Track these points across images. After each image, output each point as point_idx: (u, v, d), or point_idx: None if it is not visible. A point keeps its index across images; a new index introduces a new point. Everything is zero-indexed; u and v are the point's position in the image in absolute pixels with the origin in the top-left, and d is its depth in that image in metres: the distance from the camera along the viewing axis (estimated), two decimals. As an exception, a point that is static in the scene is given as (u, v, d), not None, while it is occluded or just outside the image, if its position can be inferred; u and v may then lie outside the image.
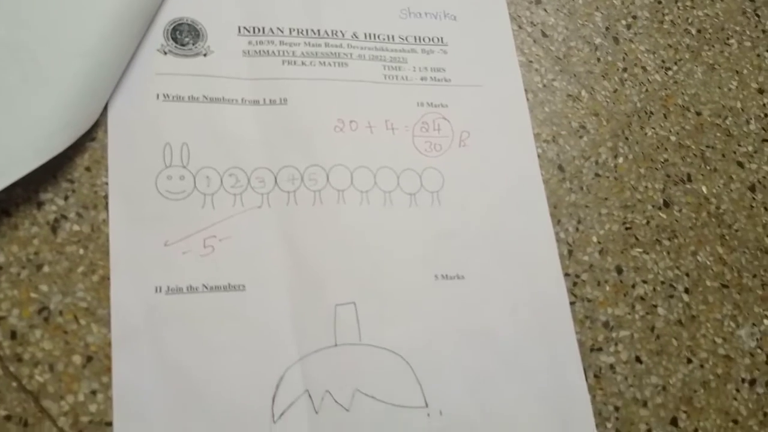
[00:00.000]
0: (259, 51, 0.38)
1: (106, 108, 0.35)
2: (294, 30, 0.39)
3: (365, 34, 0.40)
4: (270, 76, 0.38)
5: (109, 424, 0.30)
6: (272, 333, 0.33)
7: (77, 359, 0.31)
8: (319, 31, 0.39)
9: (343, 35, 0.40)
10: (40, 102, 0.32)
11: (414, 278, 0.36)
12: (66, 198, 0.33)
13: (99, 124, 0.35)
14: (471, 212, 0.38)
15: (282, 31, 0.39)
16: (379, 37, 0.40)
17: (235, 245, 0.34)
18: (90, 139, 0.34)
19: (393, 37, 0.41)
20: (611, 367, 0.37)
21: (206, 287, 0.33)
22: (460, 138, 0.39)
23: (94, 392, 0.31)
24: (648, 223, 0.40)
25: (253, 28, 0.38)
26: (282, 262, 0.34)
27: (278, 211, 0.35)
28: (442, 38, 0.41)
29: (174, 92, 0.36)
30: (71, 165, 0.34)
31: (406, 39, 0.41)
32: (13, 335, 0.31)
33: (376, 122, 0.38)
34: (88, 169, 0.34)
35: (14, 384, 0.30)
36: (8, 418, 0.30)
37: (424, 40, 0.41)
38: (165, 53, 0.36)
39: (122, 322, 0.32)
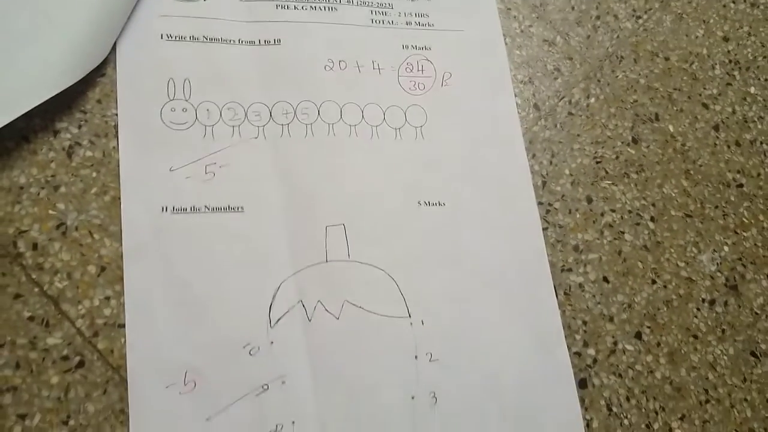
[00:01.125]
0: None
1: (114, 47, 0.38)
2: None
3: None
4: (265, 19, 0.40)
5: (122, 326, 0.33)
6: (268, 250, 0.36)
7: (92, 269, 0.34)
8: None
9: None
10: (54, 39, 0.35)
11: (398, 204, 0.39)
12: (79, 127, 0.36)
13: (108, 62, 0.37)
14: (452, 145, 0.41)
15: None
16: None
17: (234, 171, 0.37)
18: (100, 75, 0.37)
19: None
20: (580, 285, 0.40)
21: (208, 208, 0.36)
22: (443, 78, 0.42)
23: (107, 298, 0.34)
24: (617, 157, 0.43)
25: None
26: (277, 188, 0.37)
27: (273, 142, 0.38)
28: None
29: (177, 32, 0.39)
30: (84, 98, 0.37)
31: None
32: (35, 247, 0.34)
33: (364, 62, 0.41)
34: (99, 101, 0.37)
35: (36, 289, 0.33)
36: (31, 318, 0.33)
37: None
38: (168, -3, 0.39)
39: (132, 237, 0.35)
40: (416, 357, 0.36)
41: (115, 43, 0.38)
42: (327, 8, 0.42)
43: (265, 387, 0.34)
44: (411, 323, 0.37)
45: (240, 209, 0.37)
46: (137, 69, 0.38)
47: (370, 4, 0.43)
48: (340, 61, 0.41)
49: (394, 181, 0.39)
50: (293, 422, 0.34)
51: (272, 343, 0.35)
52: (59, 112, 0.36)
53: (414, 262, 0.38)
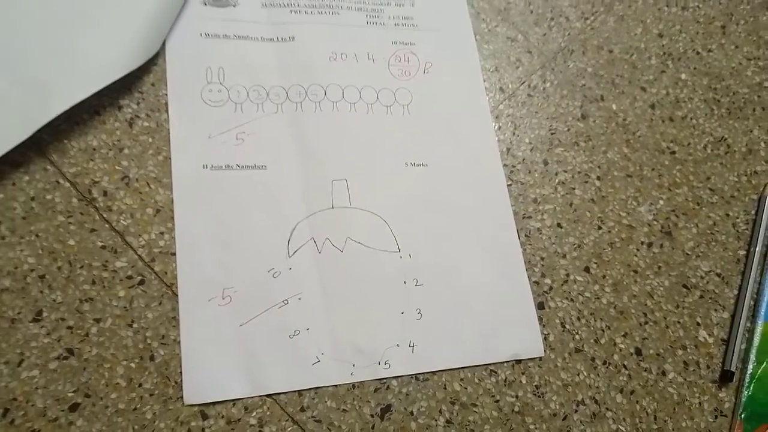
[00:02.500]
0: (273, 3, 0.50)
1: (164, 43, 0.48)
2: None
3: None
4: (281, 21, 0.50)
5: (173, 254, 0.42)
6: (286, 198, 0.45)
7: (149, 210, 0.43)
8: None
9: None
10: (119, 35, 0.45)
11: (390, 164, 0.48)
12: (138, 104, 0.46)
13: (159, 55, 0.47)
14: (432, 119, 0.50)
15: None
16: None
17: (259, 138, 0.46)
18: (153, 64, 0.47)
19: None
20: (538, 230, 0.49)
21: (238, 166, 0.45)
22: (425, 67, 0.52)
23: (161, 233, 0.43)
24: (569, 130, 0.53)
25: None
26: (293, 150, 0.46)
27: (289, 116, 0.48)
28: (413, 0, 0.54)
29: (212, 31, 0.48)
30: (141, 82, 0.46)
31: None
32: (105, 193, 0.43)
33: (361, 55, 0.51)
34: (153, 84, 0.47)
35: (107, 225, 0.42)
36: (103, 247, 0.42)
37: None
38: (205, 4, 0.49)
39: (180, 187, 0.44)
40: (405, 282, 0.45)
41: (164, 40, 0.48)
42: (331, 12, 0.51)
43: (285, 302, 0.43)
44: (401, 256, 0.46)
45: (264, 167, 0.46)
46: (182, 59, 0.47)
47: (365, 9, 0.52)
48: (341, 54, 0.50)
49: (385, 147, 0.48)
50: (308, 329, 0.42)
51: (290, 268, 0.44)
52: (122, 92, 0.45)
53: (402, 209, 0.47)
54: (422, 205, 0.47)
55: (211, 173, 0.45)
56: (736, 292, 0.50)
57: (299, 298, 0.43)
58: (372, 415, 0.41)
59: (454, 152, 0.49)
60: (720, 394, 0.46)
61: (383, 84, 0.50)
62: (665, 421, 0.45)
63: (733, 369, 0.46)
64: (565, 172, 0.51)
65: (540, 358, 0.45)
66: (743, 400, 0.46)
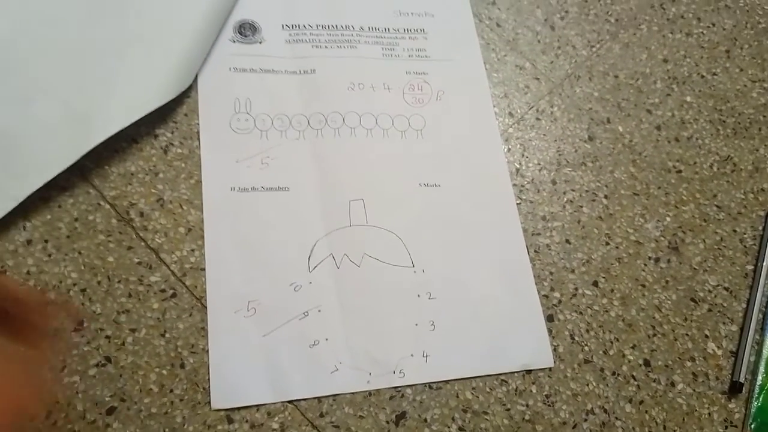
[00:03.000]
0: (296, 39, 0.55)
1: (197, 77, 0.52)
2: (319, 25, 0.55)
3: (369, 27, 0.56)
4: (304, 55, 0.54)
5: (203, 269, 0.45)
6: (307, 217, 0.48)
7: (182, 230, 0.46)
8: (336, 25, 0.56)
9: (353, 28, 0.56)
10: (156, 70, 0.49)
11: (404, 184, 0.51)
12: (172, 132, 0.50)
13: (192, 88, 0.51)
14: (444, 143, 0.53)
15: (311, 26, 0.55)
16: (378, 29, 0.56)
17: (282, 162, 0.50)
18: (186, 96, 0.51)
19: (389, 29, 0.57)
20: (547, 246, 0.51)
21: (263, 188, 0.49)
22: (437, 95, 0.55)
23: (193, 250, 0.46)
24: (576, 151, 0.55)
25: (292, 25, 0.55)
26: (313, 173, 0.50)
27: (310, 142, 0.51)
28: (423, 29, 0.58)
29: (240, 66, 0.52)
30: (175, 112, 0.50)
31: (398, 30, 0.57)
32: (141, 214, 0.47)
33: (377, 85, 0.54)
34: (186, 115, 0.50)
35: (142, 243, 0.46)
36: (139, 263, 0.45)
37: (411, 30, 0.57)
38: (234, 42, 0.53)
39: (210, 208, 0.47)
40: (418, 296, 0.47)
41: (197, 74, 0.52)
42: (349, 47, 0.55)
43: (306, 313, 0.46)
44: (414, 271, 0.48)
45: (286, 189, 0.49)
46: (213, 91, 0.51)
47: (381, 43, 0.56)
48: (359, 84, 0.54)
49: (400, 169, 0.51)
50: (327, 339, 0.45)
51: (311, 282, 0.46)
52: (158, 122, 0.49)
53: (416, 227, 0.49)
54: (435, 223, 0.50)
55: (238, 195, 0.48)
56: (744, 305, 0.51)
57: (319, 311, 0.46)
58: (387, 422, 0.43)
59: (466, 173, 0.52)
60: (729, 405, 0.47)
61: (398, 111, 0.53)
62: (675, 431, 0.46)
63: (742, 380, 0.47)
64: (573, 191, 0.53)
65: (550, 369, 0.47)
66: (753, 410, 0.47)
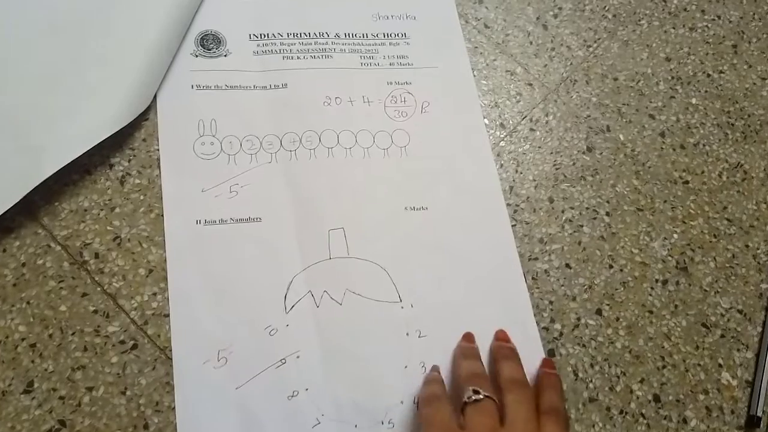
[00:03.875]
0: (265, 51, 0.50)
1: (155, 97, 0.47)
2: (290, 34, 0.50)
3: (345, 34, 0.51)
4: (274, 68, 0.49)
5: (167, 315, 0.41)
6: (282, 251, 0.44)
7: (142, 271, 0.42)
8: (309, 33, 0.51)
9: (328, 35, 0.51)
10: (108, 92, 0.44)
11: (388, 209, 0.46)
12: (129, 160, 0.45)
13: (150, 109, 0.46)
14: (431, 160, 0.48)
15: (281, 35, 0.50)
16: (355, 35, 0.52)
17: (253, 190, 0.45)
18: (144, 119, 0.46)
19: (367, 34, 0.52)
20: (546, 271, 0.47)
21: (233, 219, 0.44)
22: (422, 107, 0.50)
23: (154, 294, 0.42)
24: (574, 164, 0.51)
25: (260, 35, 0.50)
26: (288, 201, 0.45)
27: (284, 165, 0.46)
28: (405, 33, 0.53)
29: (204, 83, 0.48)
30: (132, 138, 0.46)
31: (377, 35, 0.52)
32: (96, 255, 0.42)
33: (355, 98, 0.49)
34: (144, 140, 0.46)
35: (98, 288, 0.41)
36: (95, 311, 0.41)
37: (391, 35, 0.52)
38: (196, 56, 0.48)
39: (173, 244, 0.43)
40: (407, 334, 0.43)
41: (156, 94, 0.47)
42: (324, 56, 0.50)
43: (283, 361, 0.41)
44: (402, 307, 0.44)
45: (258, 219, 0.45)
46: (174, 112, 0.46)
47: (359, 51, 0.51)
48: (336, 98, 0.49)
49: (383, 192, 0.47)
50: (306, 389, 0.41)
51: (287, 325, 0.42)
52: (113, 150, 0.45)
53: (403, 257, 0.45)
54: (423, 250, 0.46)
55: (204, 228, 0.44)
56: (760, 329, 0.47)
57: (297, 356, 0.41)
58: (376, 479, 0.40)
59: (455, 193, 0.48)
60: (747, 442, 0.44)
61: (379, 126, 0.49)
62: (689, 474, 0.42)
63: (759, 414, 0.44)
64: (572, 209, 0.49)
65: (552, 410, 0.43)
66: (772, 448, 0.43)
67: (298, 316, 0.42)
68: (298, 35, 0.51)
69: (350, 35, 0.52)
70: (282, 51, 0.50)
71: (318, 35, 0.51)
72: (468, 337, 0.43)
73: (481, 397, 0.36)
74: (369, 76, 0.51)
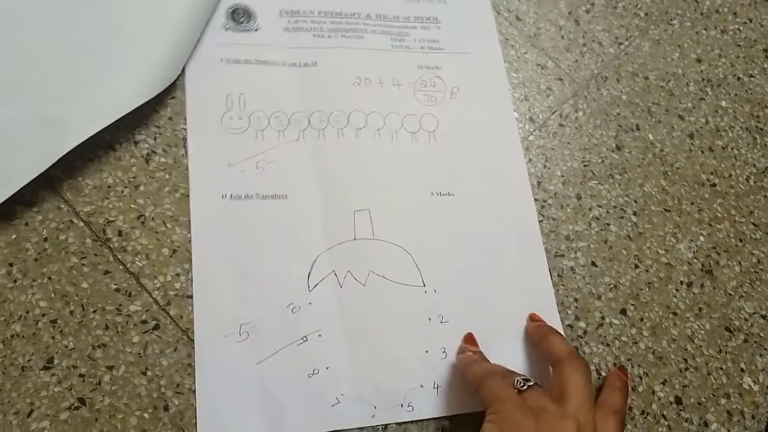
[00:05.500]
0: (296, 28, 0.49)
1: (184, 71, 0.46)
2: (321, 12, 0.50)
3: (376, 15, 0.51)
4: (304, 45, 0.48)
5: (189, 296, 0.40)
6: (307, 229, 0.43)
7: (165, 251, 0.41)
8: (341, 12, 0.50)
9: (359, 16, 0.50)
10: (135, 63, 0.43)
11: (414, 193, 0.45)
12: (155, 138, 0.44)
13: (177, 87, 0.45)
14: (459, 147, 0.47)
15: (313, 13, 0.49)
16: (387, 17, 0.51)
17: (280, 167, 0.44)
18: (170, 97, 0.45)
19: (398, 17, 0.51)
20: (571, 269, 0.46)
21: (258, 195, 0.43)
22: (452, 92, 0.49)
23: (177, 274, 0.41)
24: (603, 161, 0.50)
25: (291, 11, 0.49)
26: (314, 180, 0.44)
27: (311, 143, 0.45)
28: (436, 17, 0.52)
29: (233, 57, 0.46)
30: (158, 116, 0.45)
31: (408, 18, 0.51)
32: (120, 233, 0.41)
33: (385, 80, 0.48)
34: (170, 118, 0.45)
35: (121, 267, 0.41)
36: (117, 290, 0.40)
37: (422, 19, 0.51)
38: (226, 29, 0.47)
39: (198, 220, 0.42)
40: (429, 319, 0.43)
41: (184, 68, 0.46)
42: (355, 36, 0.49)
43: (305, 338, 0.41)
44: (425, 291, 0.43)
45: (284, 197, 0.44)
46: (202, 86, 0.45)
47: (390, 32, 0.50)
48: (365, 79, 0.48)
49: (410, 175, 0.46)
50: (327, 368, 0.40)
51: (310, 303, 0.41)
52: (139, 127, 0.44)
53: (427, 241, 0.44)
54: (448, 237, 0.45)
55: (230, 203, 0.43)
56: (783, 335, 0.47)
57: (319, 335, 0.41)
58: (396, 470, 0.39)
59: (482, 182, 0.47)
60: (768, 448, 0.43)
61: (408, 110, 0.48)
62: (709, 478, 0.42)
63: (781, 420, 0.43)
64: (600, 206, 0.48)
65: (574, 408, 0.42)
66: (793, 455, 0.43)
67: (321, 295, 0.42)
68: (330, 14, 0.50)
69: (381, 17, 0.51)
70: (313, 29, 0.49)
71: (349, 15, 0.50)
72: (469, 339, 0.42)
73: (532, 383, 0.36)
74: (399, 58, 0.50)
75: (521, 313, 0.44)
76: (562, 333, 0.44)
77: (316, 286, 0.42)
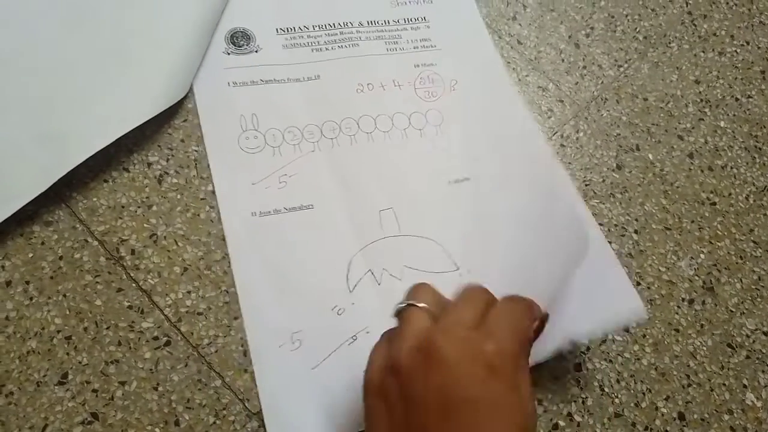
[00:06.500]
0: (294, 44, 0.51)
1: (194, 98, 0.47)
2: (316, 26, 0.52)
3: (368, 21, 0.53)
4: (304, 60, 0.50)
5: (200, 313, 0.41)
6: (337, 234, 0.44)
7: (177, 269, 0.42)
8: (333, 24, 0.52)
9: (351, 24, 0.52)
10: (143, 85, 0.45)
11: (432, 185, 0.47)
12: (167, 160, 0.46)
13: (189, 111, 0.47)
14: (466, 135, 0.49)
15: (308, 28, 0.51)
16: (378, 22, 0.53)
17: (301, 179, 0.46)
18: (183, 120, 0.47)
19: (388, 21, 0.53)
20: (574, 286, 0.47)
21: (286, 209, 0.45)
22: (450, 86, 0.51)
23: (189, 292, 0.42)
24: (604, 181, 0.51)
25: (287, 28, 0.51)
26: (336, 186, 0.46)
27: (327, 153, 0.47)
28: (425, 17, 0.54)
29: (239, 80, 0.48)
30: (171, 138, 0.46)
31: (398, 21, 0.54)
32: (133, 252, 0.43)
33: (386, 82, 0.50)
34: (182, 140, 0.46)
35: (133, 285, 0.42)
36: (130, 307, 0.41)
37: (411, 20, 0.54)
38: (228, 54, 0.49)
39: (234, 239, 0.43)
40: None
41: (194, 94, 0.47)
42: (350, 45, 0.51)
43: (354, 338, 0.41)
44: (460, 274, 0.44)
45: (310, 206, 0.45)
46: (214, 111, 0.47)
47: (383, 37, 0.52)
48: (367, 84, 0.50)
49: (424, 169, 0.48)
50: None
51: (353, 303, 0.43)
52: (152, 149, 0.45)
53: (452, 227, 0.46)
54: (471, 219, 0.47)
55: (260, 220, 0.44)
56: (785, 352, 0.47)
57: (367, 332, 0.42)
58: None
59: (498, 164, 0.49)
60: (771, 465, 0.44)
61: (413, 108, 0.50)
62: (713, 494, 0.42)
63: (784, 437, 0.44)
64: (601, 225, 0.49)
65: (578, 424, 0.43)
66: (797, 471, 0.43)
67: (362, 294, 0.43)
68: (323, 27, 0.52)
69: (373, 23, 0.53)
70: (310, 44, 0.51)
71: (342, 25, 0.52)
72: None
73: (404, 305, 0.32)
74: (396, 60, 0.52)
75: (556, 274, 0.45)
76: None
77: (355, 286, 0.43)
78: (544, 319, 0.34)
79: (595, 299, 0.43)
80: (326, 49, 0.51)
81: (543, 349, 0.41)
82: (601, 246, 0.46)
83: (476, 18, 0.55)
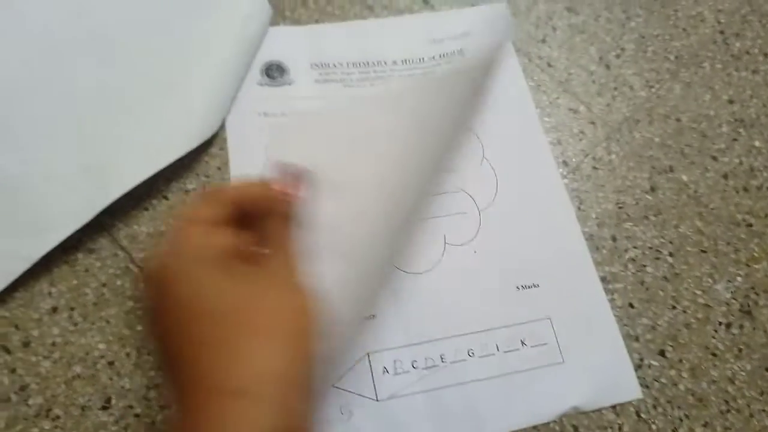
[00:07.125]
0: (326, 79, 0.52)
1: (226, 126, 0.49)
2: (349, 63, 0.53)
3: (402, 60, 0.53)
4: (335, 96, 0.51)
5: None
6: None
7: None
8: (367, 62, 0.53)
9: (386, 63, 0.53)
10: (180, 119, 0.46)
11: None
12: (204, 186, 0.47)
13: (225, 139, 0.48)
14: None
15: (341, 65, 0.52)
16: (412, 61, 0.53)
17: None
18: (219, 149, 0.48)
19: (423, 58, 0.54)
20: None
21: None
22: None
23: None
24: (637, 203, 0.51)
25: (321, 64, 0.52)
26: None
27: None
28: (461, 50, 0.54)
29: (271, 110, 0.49)
30: (207, 166, 0.48)
31: (434, 57, 0.54)
32: (173, 278, 0.44)
33: None
34: (219, 168, 0.48)
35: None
36: (170, 333, 0.42)
37: (446, 55, 0.54)
38: (261, 85, 0.51)
39: None
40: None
41: (226, 123, 0.49)
42: (381, 83, 0.52)
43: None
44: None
45: None
46: (244, 139, 0.48)
47: (415, 74, 0.53)
48: None
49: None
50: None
51: None
52: (189, 177, 0.47)
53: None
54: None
55: None
56: (827, 377, 0.46)
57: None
58: None
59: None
60: (815, 494, 0.43)
61: None
62: None
63: (828, 465, 0.43)
64: (635, 248, 0.49)
65: (615, 451, 0.42)
66: (842, 501, 0.42)
67: None
68: (357, 64, 0.53)
69: (407, 61, 0.54)
70: (342, 80, 0.52)
71: (375, 64, 0.53)
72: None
73: None
74: None
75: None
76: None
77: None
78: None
79: (595, 373, 0.44)
80: (357, 85, 0.52)
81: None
82: (608, 325, 0.46)
83: (509, 48, 0.55)
